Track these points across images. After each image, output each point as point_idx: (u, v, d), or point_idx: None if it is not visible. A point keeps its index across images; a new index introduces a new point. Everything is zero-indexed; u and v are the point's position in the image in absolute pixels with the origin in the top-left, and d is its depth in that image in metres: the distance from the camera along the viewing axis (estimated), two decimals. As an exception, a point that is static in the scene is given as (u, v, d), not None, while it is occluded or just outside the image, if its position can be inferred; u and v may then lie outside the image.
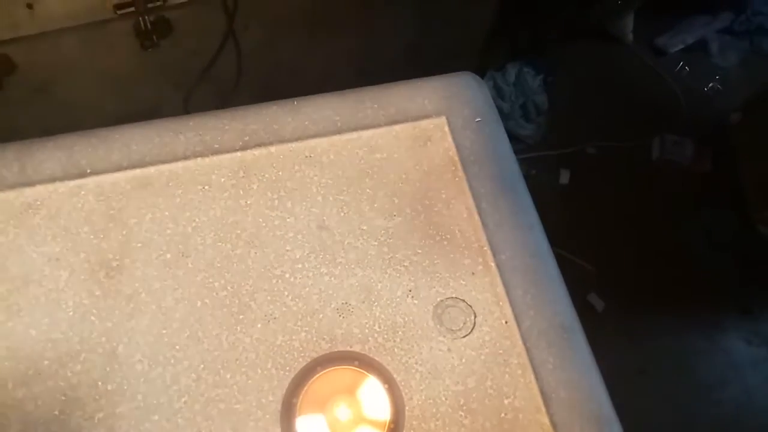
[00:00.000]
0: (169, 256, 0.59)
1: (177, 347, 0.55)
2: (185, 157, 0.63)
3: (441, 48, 1.59)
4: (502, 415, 0.55)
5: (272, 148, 0.65)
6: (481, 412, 0.54)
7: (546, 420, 0.54)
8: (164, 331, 0.55)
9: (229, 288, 0.58)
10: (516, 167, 0.66)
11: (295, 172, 0.64)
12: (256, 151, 0.64)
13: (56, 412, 0.51)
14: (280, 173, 0.64)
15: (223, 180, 0.63)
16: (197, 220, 0.61)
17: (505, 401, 0.55)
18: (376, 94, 0.69)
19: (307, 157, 0.65)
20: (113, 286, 0.57)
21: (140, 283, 0.57)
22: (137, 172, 0.62)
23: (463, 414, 0.54)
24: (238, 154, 0.64)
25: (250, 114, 0.66)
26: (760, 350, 1.75)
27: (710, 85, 2.13)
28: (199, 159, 0.63)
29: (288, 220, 0.62)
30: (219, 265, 0.59)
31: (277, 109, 0.67)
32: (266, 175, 0.64)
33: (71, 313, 0.55)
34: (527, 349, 0.57)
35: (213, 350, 0.55)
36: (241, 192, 0.62)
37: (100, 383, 0.53)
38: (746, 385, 1.68)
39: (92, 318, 0.55)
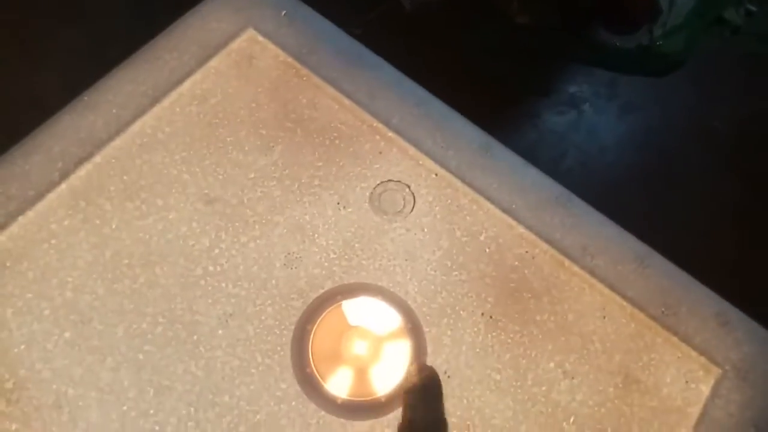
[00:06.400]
0: (67, 335, 0.46)
1: (152, 412, 0.45)
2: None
3: None
4: (486, 250, 0.54)
5: (97, 158, 0.53)
6: (470, 260, 0.53)
7: (516, 227, 0.55)
8: (124, 408, 0.45)
9: (161, 319, 0.48)
10: (344, 35, 0.62)
11: (138, 166, 0.53)
12: (82, 171, 0.52)
13: None
14: (125, 178, 0.53)
15: (66, 222, 0.50)
16: (70, 280, 0.48)
17: (481, 237, 0.54)
18: (167, 42, 0.58)
19: (140, 145, 0.54)
20: (18, 409, 0.44)
21: (59, 383, 0.45)
22: (-46, 276, 0.47)
23: (457, 272, 0.53)
24: (63, 186, 0.51)
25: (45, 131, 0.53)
26: (571, 113, 2.00)
27: None
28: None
29: (170, 216, 0.52)
30: (131, 306, 0.48)
31: (74, 116, 0.54)
32: (111, 188, 0.52)
33: (-1, 470, 0.42)
34: (468, 182, 0.56)
35: (192, 386, 0.46)
36: (98, 221, 0.51)
37: None
38: (577, 144, 1.92)
39: (30, 456, 0.43)
